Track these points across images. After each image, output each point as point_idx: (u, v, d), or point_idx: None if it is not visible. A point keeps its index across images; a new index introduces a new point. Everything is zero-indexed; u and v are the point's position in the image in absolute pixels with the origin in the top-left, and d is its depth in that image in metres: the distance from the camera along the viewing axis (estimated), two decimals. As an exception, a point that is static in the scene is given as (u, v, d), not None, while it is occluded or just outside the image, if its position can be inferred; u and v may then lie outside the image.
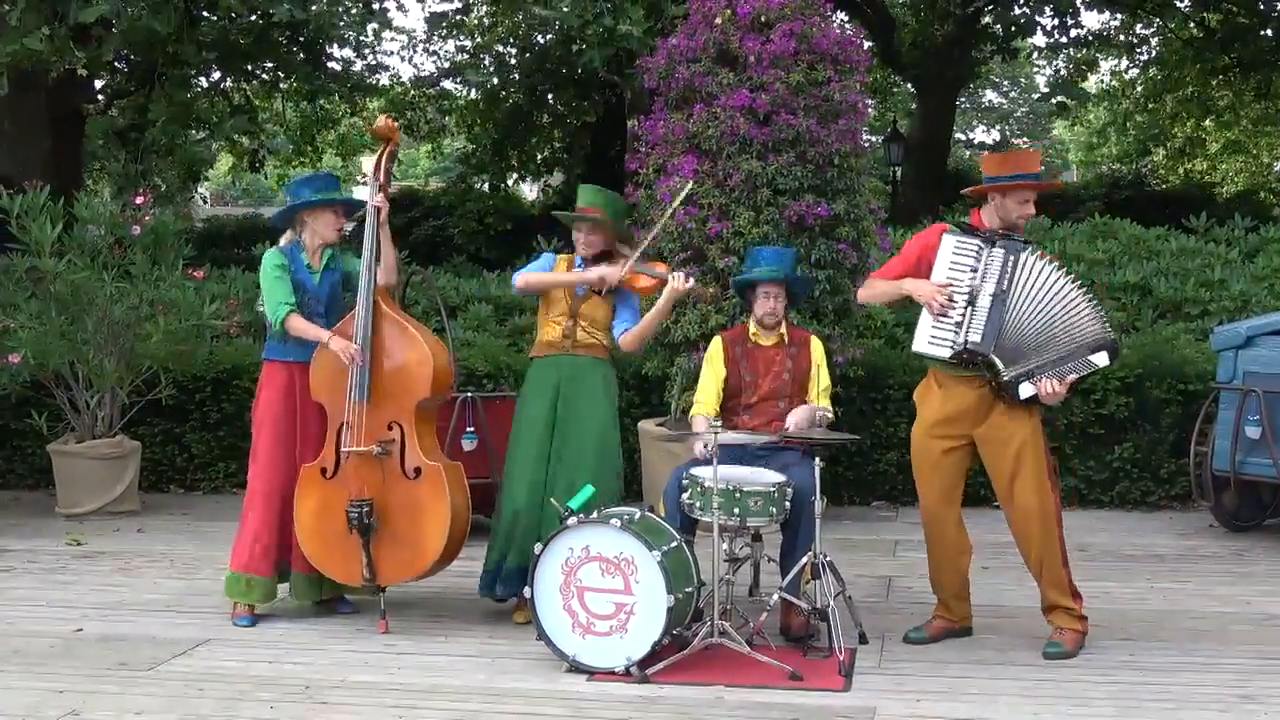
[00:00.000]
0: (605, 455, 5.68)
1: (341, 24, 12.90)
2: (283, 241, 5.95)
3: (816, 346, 5.83)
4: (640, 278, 5.71)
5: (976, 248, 5.26)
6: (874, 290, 5.53)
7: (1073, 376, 5.18)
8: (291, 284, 5.79)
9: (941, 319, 5.23)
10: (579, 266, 5.80)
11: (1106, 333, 5.24)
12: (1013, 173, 5.29)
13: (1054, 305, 5.19)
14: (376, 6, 14.11)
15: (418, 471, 5.65)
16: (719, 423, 5.30)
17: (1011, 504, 5.31)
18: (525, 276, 5.85)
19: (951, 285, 5.24)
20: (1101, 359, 5.21)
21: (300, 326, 5.73)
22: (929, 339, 5.26)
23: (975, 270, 5.23)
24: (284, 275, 5.79)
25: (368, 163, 6.00)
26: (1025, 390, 5.17)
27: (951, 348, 5.22)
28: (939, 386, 5.37)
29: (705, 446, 5.34)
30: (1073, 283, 5.22)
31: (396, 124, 5.93)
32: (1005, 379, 5.18)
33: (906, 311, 9.54)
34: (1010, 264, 5.21)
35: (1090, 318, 5.20)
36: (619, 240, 5.87)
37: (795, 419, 5.58)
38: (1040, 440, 5.29)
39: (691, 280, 5.63)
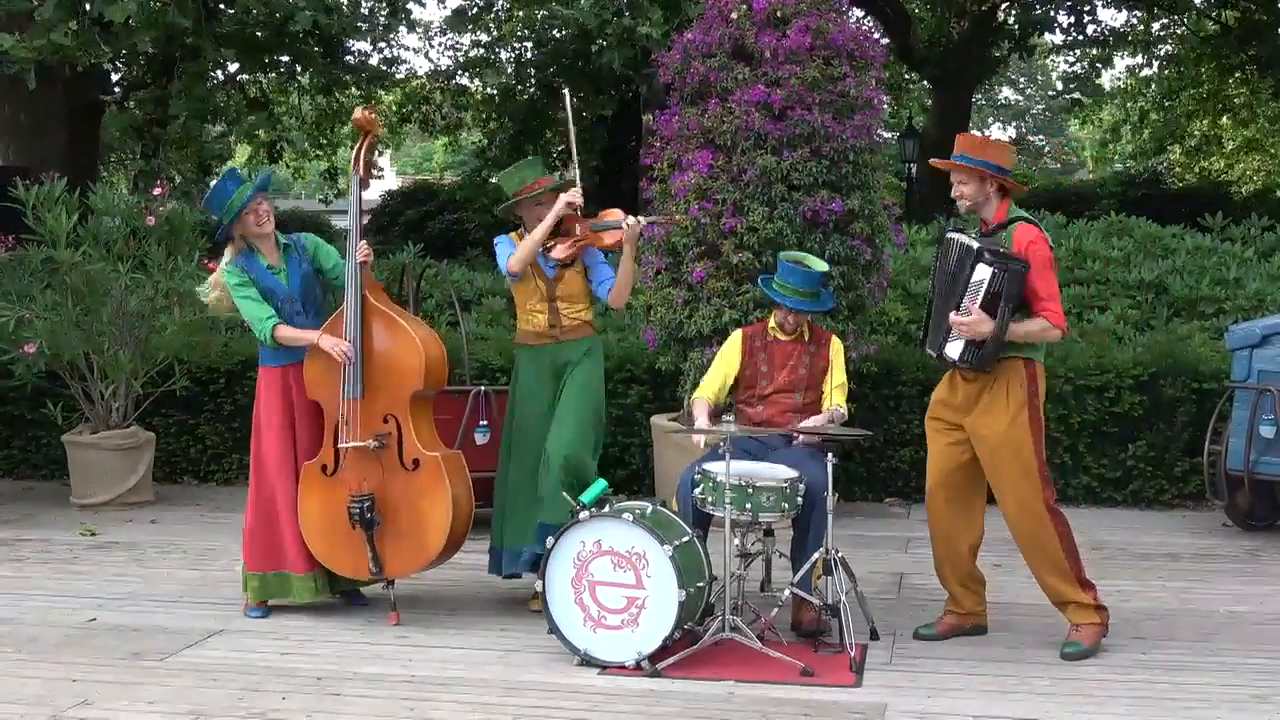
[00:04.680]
0: (587, 400, 5.78)
1: (364, 26, 12.90)
2: (227, 255, 5.82)
3: (836, 346, 5.86)
4: (604, 235, 5.79)
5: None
6: None
7: (967, 300, 5.02)
8: (261, 293, 5.75)
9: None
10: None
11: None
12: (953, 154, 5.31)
13: (953, 263, 5.13)
14: (400, 4, 14.10)
15: (416, 463, 5.65)
16: (731, 419, 5.32)
17: (999, 502, 5.32)
18: (512, 259, 5.78)
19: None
20: (979, 272, 4.99)
21: (290, 335, 5.71)
22: None
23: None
24: (250, 290, 5.73)
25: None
26: (952, 349, 5.14)
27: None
28: (950, 376, 5.41)
29: (703, 444, 5.51)
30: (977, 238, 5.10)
31: (375, 116, 5.90)
32: (941, 356, 5.23)
33: (920, 308, 9.53)
34: (939, 253, 5.27)
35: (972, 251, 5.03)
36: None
37: (808, 423, 5.60)
38: (1023, 439, 5.16)
39: (641, 218, 5.78)
